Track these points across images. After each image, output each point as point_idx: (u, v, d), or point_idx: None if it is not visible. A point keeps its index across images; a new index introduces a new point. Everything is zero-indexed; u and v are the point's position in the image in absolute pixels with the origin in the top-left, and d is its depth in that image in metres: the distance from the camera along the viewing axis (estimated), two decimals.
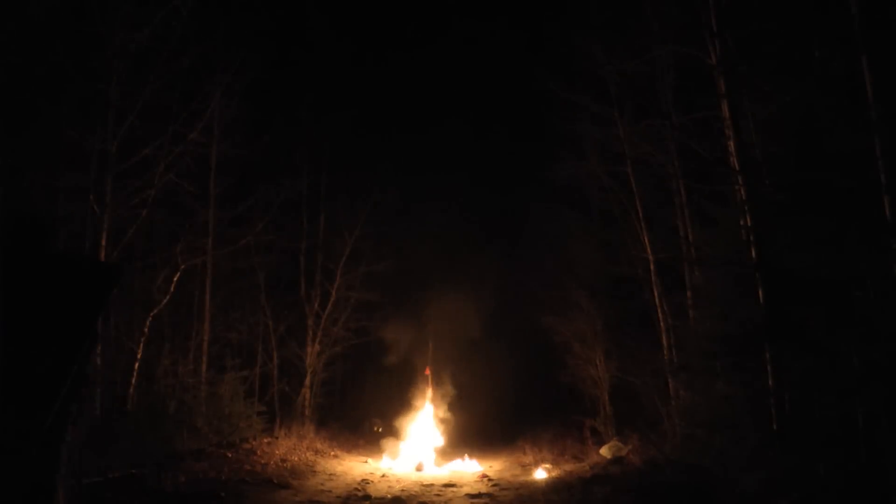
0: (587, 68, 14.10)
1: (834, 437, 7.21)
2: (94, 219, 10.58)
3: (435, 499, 10.36)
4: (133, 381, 12.28)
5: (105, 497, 8.34)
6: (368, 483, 11.77)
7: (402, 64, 26.53)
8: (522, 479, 12.33)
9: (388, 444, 16.24)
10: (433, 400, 17.67)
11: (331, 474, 12.68)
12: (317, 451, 15.39)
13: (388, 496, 10.35)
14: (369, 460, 15.23)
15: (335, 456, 15.55)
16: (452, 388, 18.15)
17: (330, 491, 10.71)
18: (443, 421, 17.36)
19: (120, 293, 12.06)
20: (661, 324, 13.46)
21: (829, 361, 7.20)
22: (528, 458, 14.73)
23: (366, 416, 21.04)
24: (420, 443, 16.03)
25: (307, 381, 18.20)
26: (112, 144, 10.83)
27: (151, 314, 12.69)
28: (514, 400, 20.27)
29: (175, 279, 13.21)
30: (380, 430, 20.15)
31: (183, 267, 13.50)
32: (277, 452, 13.93)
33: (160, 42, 11.14)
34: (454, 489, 11.23)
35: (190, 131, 12.50)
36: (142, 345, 12.47)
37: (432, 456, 15.15)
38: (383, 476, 12.77)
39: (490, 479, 12.33)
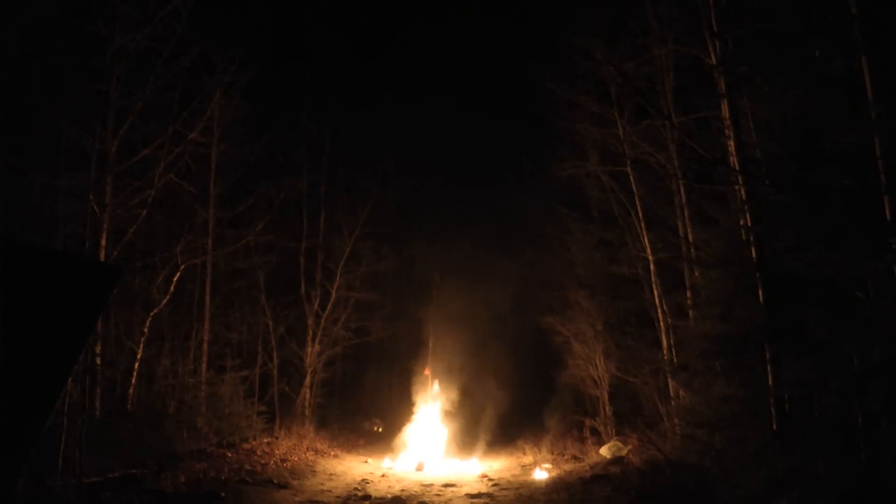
0: (587, 68, 14.13)
1: (834, 437, 7.21)
2: (94, 219, 10.56)
3: (435, 499, 10.35)
4: (133, 381, 12.29)
5: (105, 497, 8.34)
6: (368, 483, 11.77)
7: (402, 64, 26.60)
8: (522, 479, 12.32)
9: (396, 442, 16.27)
10: (433, 400, 17.66)
11: (331, 474, 12.68)
12: (317, 451, 15.40)
13: (388, 496, 10.35)
14: (369, 460, 15.23)
15: (335, 456, 15.55)
16: (452, 387, 18.14)
17: (330, 491, 10.71)
18: (443, 421, 17.35)
19: (120, 293, 12.06)
20: (661, 324, 13.46)
21: (829, 361, 7.20)
22: (528, 458, 14.74)
23: (366, 416, 21.05)
24: (420, 442, 16.02)
25: (307, 381, 18.20)
26: (112, 144, 10.81)
27: (151, 314, 12.69)
28: (514, 400, 20.26)
29: (175, 279, 13.21)
30: (380, 430, 20.16)
31: (183, 267, 13.49)
32: (277, 452, 13.94)
33: (160, 42, 11.13)
34: (454, 489, 11.23)
35: (190, 131, 12.51)
36: (142, 345, 12.47)
37: (432, 456, 15.15)
38: (383, 476, 12.77)
39: (490, 479, 12.33)
